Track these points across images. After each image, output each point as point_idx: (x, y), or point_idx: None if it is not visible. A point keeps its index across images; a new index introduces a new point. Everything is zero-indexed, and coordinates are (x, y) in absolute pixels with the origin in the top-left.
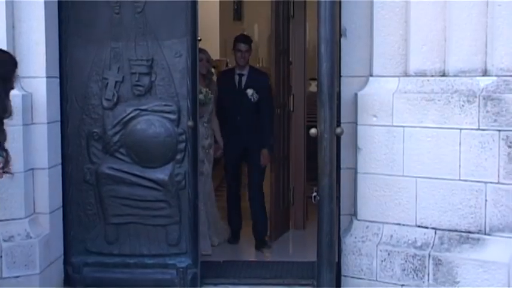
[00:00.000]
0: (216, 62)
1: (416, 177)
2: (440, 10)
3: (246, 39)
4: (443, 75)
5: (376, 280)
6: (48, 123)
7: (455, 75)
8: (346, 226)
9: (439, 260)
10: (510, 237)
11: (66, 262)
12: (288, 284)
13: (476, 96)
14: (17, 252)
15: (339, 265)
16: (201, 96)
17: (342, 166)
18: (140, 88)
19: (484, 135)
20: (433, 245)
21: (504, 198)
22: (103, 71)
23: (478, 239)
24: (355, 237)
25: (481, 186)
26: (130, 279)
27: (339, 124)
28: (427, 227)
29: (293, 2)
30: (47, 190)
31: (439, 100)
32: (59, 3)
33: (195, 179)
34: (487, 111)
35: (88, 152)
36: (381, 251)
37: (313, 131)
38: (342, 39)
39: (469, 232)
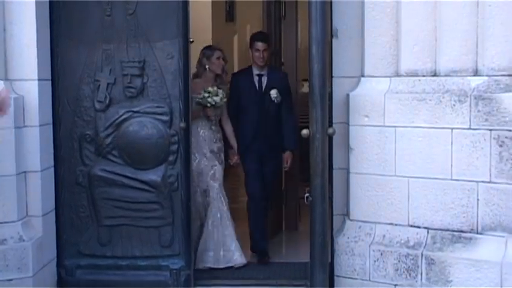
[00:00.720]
0: None
1: (408, 177)
2: (431, 10)
3: (263, 37)
4: (435, 75)
5: (369, 280)
6: (40, 125)
7: (446, 75)
8: (339, 226)
9: (432, 259)
10: (502, 236)
11: (59, 265)
12: (281, 284)
13: (467, 96)
14: (10, 255)
15: (332, 265)
16: (216, 98)
17: (334, 166)
18: (132, 90)
19: (476, 135)
20: (425, 244)
21: (496, 197)
22: (95, 73)
23: (470, 238)
24: (348, 238)
25: (473, 185)
26: (123, 281)
27: (330, 124)
28: (419, 227)
29: (284, 2)
30: (39, 193)
31: (430, 100)
32: (50, 5)
33: (187, 180)
34: (478, 111)
35: (80, 154)
36: (373, 251)
37: (305, 131)
38: (334, 40)
39: (461, 231)
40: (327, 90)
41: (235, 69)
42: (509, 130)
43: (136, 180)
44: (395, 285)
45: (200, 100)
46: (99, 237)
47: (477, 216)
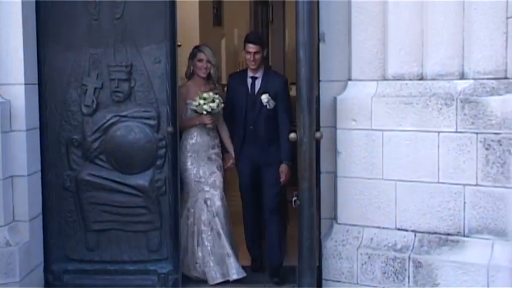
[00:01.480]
0: None
1: (395, 180)
2: (418, 14)
3: (255, 38)
4: (421, 78)
5: (357, 283)
6: (27, 130)
7: (433, 79)
8: (327, 230)
9: (419, 262)
10: (489, 239)
11: (46, 270)
12: None
13: (453, 99)
14: None
15: (319, 269)
16: (213, 105)
17: (321, 170)
18: (119, 94)
19: (462, 138)
20: (412, 247)
21: (482, 201)
22: (82, 78)
23: (457, 241)
24: (336, 241)
25: (460, 188)
26: (111, 285)
27: (318, 128)
28: (406, 230)
29: (272, 6)
30: (26, 197)
31: (417, 103)
32: (37, 9)
33: (175, 184)
34: (465, 114)
35: (68, 158)
36: (361, 254)
37: (292, 135)
38: (321, 44)
39: (448, 234)
40: (314, 94)
41: (224, 73)
42: (496, 133)
43: (124, 184)
44: None
45: (196, 108)
46: (87, 241)
47: (464, 219)
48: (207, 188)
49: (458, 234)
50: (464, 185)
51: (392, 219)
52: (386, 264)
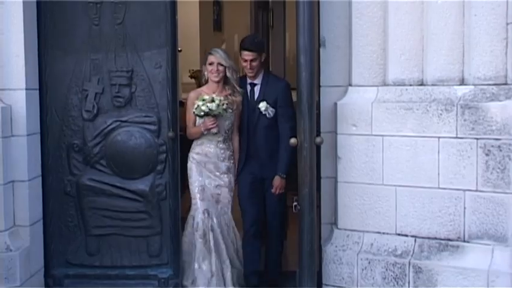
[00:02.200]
0: (197, 72)
1: (395, 185)
2: (418, 20)
3: (251, 44)
4: (422, 84)
5: None
6: (28, 135)
7: (433, 84)
8: (327, 235)
9: (419, 267)
10: (489, 245)
11: (47, 274)
12: None
13: (454, 105)
14: None
15: (320, 274)
16: (211, 105)
17: (322, 175)
18: (120, 99)
19: (462, 144)
20: (413, 253)
21: (482, 206)
22: (83, 83)
23: (457, 247)
24: (336, 246)
25: (460, 194)
26: None
27: (318, 134)
28: (407, 235)
29: (272, 12)
30: (27, 202)
31: (417, 109)
32: (38, 14)
33: (176, 189)
34: (465, 120)
35: (68, 163)
36: (361, 259)
37: (293, 140)
38: (321, 49)
39: (449, 240)
40: (314, 99)
41: None
42: (496, 139)
43: (125, 189)
44: None
45: (194, 110)
46: (88, 246)
47: (464, 224)
48: (208, 201)
49: (458, 239)
50: (464, 190)
51: (393, 224)
52: (387, 270)
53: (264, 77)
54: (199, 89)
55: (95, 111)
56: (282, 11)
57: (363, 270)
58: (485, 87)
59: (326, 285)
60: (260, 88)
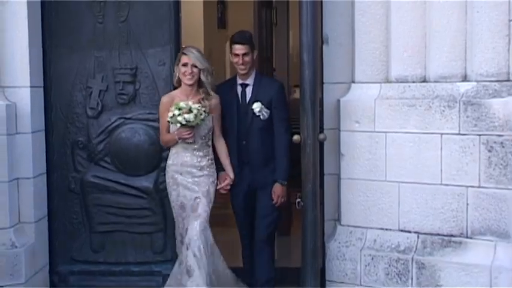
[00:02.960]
0: None
1: (398, 182)
2: (420, 17)
3: (242, 37)
4: (424, 81)
5: (361, 285)
6: (32, 132)
7: (435, 81)
8: (330, 231)
9: (422, 263)
10: (491, 241)
11: (51, 271)
12: None
13: (456, 102)
14: (2, 261)
15: (323, 270)
16: (189, 116)
17: (325, 172)
18: (124, 97)
19: (465, 140)
20: (416, 249)
21: (485, 202)
22: (87, 80)
23: (460, 243)
24: (339, 243)
25: (463, 190)
26: (116, 287)
27: (321, 130)
28: (409, 231)
29: (276, 9)
30: (31, 199)
31: (420, 106)
32: (43, 12)
33: None
34: (467, 116)
35: (73, 160)
36: (364, 255)
37: (296, 137)
38: (324, 47)
39: (451, 236)
40: (317, 96)
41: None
42: (498, 135)
43: (129, 186)
44: None
45: (170, 119)
46: (92, 243)
47: (467, 220)
48: (185, 214)
49: (461, 235)
50: (467, 186)
51: (396, 220)
52: (390, 266)
53: (257, 77)
54: (172, 93)
55: (99, 109)
56: (285, 9)
57: (366, 266)
58: (487, 83)
59: (329, 281)
60: (252, 89)
